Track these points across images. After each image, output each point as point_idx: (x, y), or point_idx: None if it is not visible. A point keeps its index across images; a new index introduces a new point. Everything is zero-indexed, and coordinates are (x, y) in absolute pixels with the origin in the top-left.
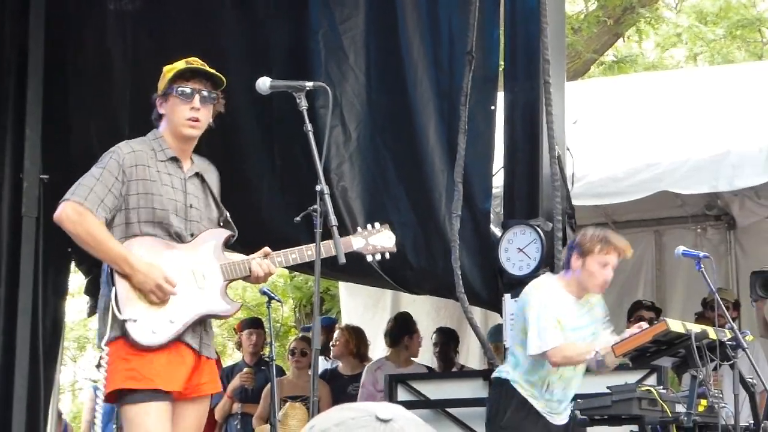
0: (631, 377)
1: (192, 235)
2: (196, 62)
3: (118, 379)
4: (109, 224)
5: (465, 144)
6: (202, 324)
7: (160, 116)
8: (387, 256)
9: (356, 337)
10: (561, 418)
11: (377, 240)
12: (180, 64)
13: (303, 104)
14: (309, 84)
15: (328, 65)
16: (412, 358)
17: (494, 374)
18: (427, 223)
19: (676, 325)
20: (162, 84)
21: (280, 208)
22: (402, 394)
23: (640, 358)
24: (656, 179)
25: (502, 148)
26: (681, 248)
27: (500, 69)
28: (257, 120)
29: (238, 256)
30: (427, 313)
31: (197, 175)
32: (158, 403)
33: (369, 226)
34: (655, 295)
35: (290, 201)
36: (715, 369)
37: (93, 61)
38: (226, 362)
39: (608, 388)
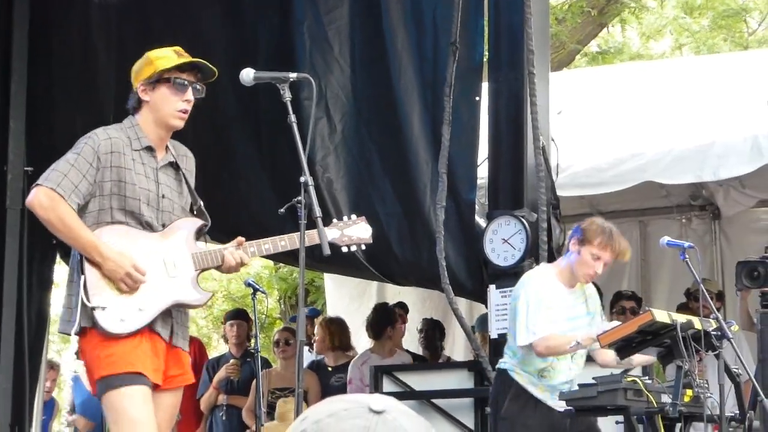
0: (617, 368)
1: (163, 225)
2: (182, 52)
3: (98, 368)
4: (82, 210)
5: (449, 135)
6: (174, 314)
7: (140, 103)
8: (363, 247)
9: (336, 330)
10: (563, 404)
11: (353, 231)
12: (170, 54)
13: (287, 95)
14: (293, 75)
15: (313, 57)
16: (396, 348)
17: (497, 364)
18: (412, 215)
19: (661, 316)
20: (149, 70)
21: (267, 200)
22: (387, 386)
23: (626, 348)
24: (641, 169)
25: (486, 138)
26: (666, 238)
27: (484, 59)
28: (244, 112)
29: (210, 246)
30: (413, 304)
31: (171, 164)
32: (141, 387)
33: (345, 217)
34: (639, 286)
35: (277, 193)
36: (700, 360)
37: (78, 53)
38: (212, 354)
39: (594, 378)
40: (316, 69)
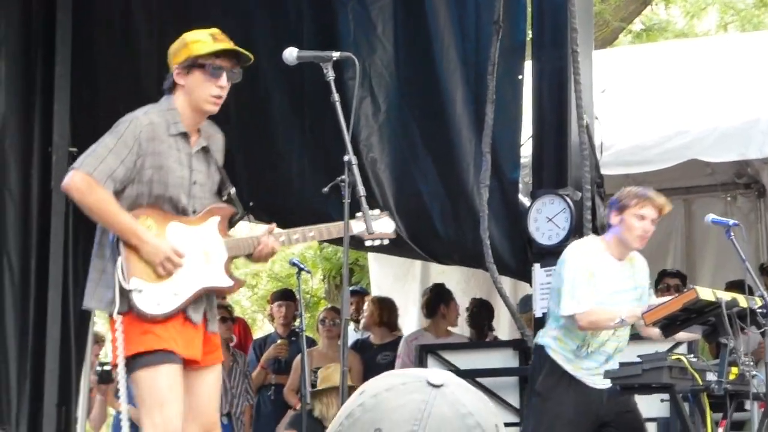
0: (662, 345)
1: (194, 211)
2: (220, 35)
3: (130, 347)
4: (119, 194)
5: (493, 114)
6: (206, 299)
7: (175, 85)
8: (385, 242)
9: (384, 308)
10: (602, 381)
11: (376, 226)
12: (206, 38)
13: (330, 75)
14: (336, 54)
15: (357, 36)
16: (450, 328)
17: (536, 338)
18: (455, 194)
19: (705, 293)
20: (184, 53)
21: (310, 179)
22: (432, 364)
23: (670, 326)
24: (685, 147)
25: (530, 117)
26: (711, 216)
27: (527, 38)
28: (287, 91)
29: (242, 233)
30: (457, 282)
31: (203, 149)
32: (170, 365)
33: (369, 211)
34: (684, 264)
35: (320, 172)
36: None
37: (120, 35)
38: (257, 334)
39: (639, 356)
40: (359, 49)
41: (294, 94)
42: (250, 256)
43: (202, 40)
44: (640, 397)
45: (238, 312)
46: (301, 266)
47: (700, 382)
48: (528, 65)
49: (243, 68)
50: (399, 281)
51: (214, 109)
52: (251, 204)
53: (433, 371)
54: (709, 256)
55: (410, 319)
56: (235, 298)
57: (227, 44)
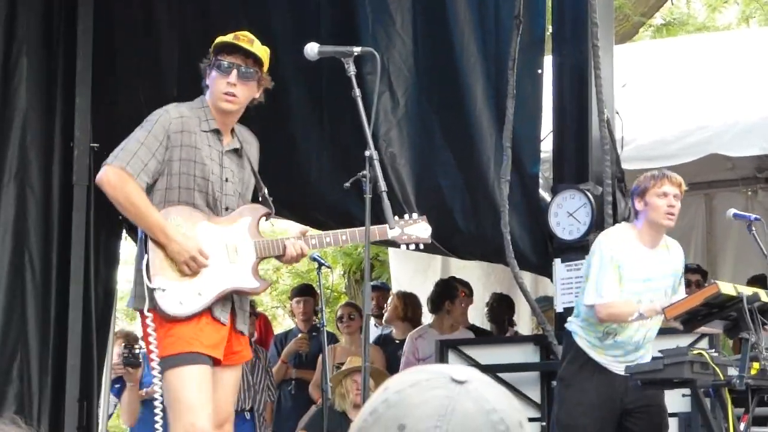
0: (683, 341)
1: (227, 209)
2: (245, 37)
3: (159, 349)
4: (150, 188)
5: (513, 108)
6: (234, 299)
7: (206, 85)
8: (421, 247)
9: (409, 303)
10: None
11: (413, 230)
12: (228, 38)
13: (351, 70)
14: (357, 49)
15: (376, 30)
16: (458, 324)
17: (566, 323)
18: (475, 188)
19: (727, 288)
20: (210, 55)
21: (328, 175)
22: (453, 360)
23: (691, 321)
24: (706, 142)
25: (550, 112)
26: (732, 210)
27: (546, 32)
28: (306, 86)
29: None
30: (478, 278)
31: (236, 150)
32: (199, 367)
33: (406, 216)
34: (705, 259)
35: (338, 167)
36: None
37: (141, 29)
38: (278, 329)
39: (660, 351)
40: (378, 43)
41: (312, 88)
42: (280, 257)
43: (225, 40)
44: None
45: (258, 307)
46: (322, 261)
47: (722, 377)
48: (547, 60)
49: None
50: (419, 276)
51: (229, 106)
52: (270, 200)
53: (457, 367)
54: (730, 251)
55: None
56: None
57: (235, 41)
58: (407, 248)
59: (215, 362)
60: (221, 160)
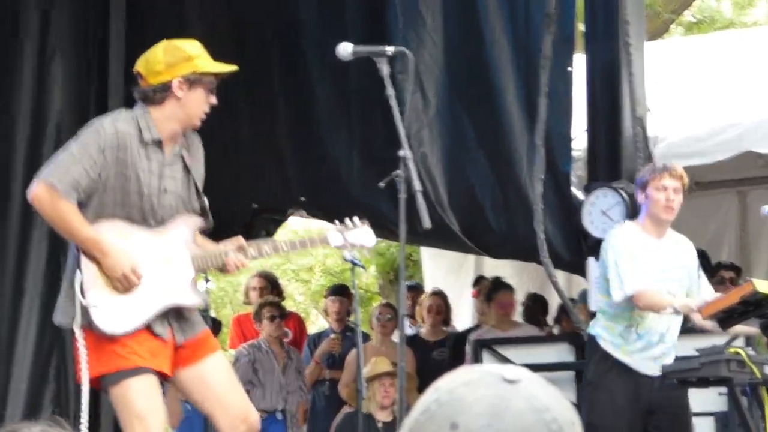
0: (719, 339)
1: (162, 220)
2: (199, 47)
3: (98, 365)
4: (84, 204)
5: (546, 106)
6: (173, 312)
7: (167, 96)
8: (365, 253)
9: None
10: (654, 367)
11: (356, 237)
12: (203, 53)
13: (384, 70)
14: (390, 49)
15: (406, 30)
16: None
17: (588, 328)
18: (507, 186)
19: (763, 286)
20: (186, 67)
21: (357, 174)
22: (487, 359)
23: (728, 319)
24: (739, 139)
25: (582, 110)
26: (766, 207)
27: (577, 30)
28: (333, 86)
29: (210, 246)
30: (510, 277)
31: (179, 156)
32: (144, 376)
33: (347, 221)
34: (739, 256)
35: (368, 167)
36: None
37: (173, 30)
38: (310, 329)
39: (696, 350)
40: (408, 42)
41: (339, 87)
42: (220, 270)
43: (202, 56)
44: (697, 390)
45: (291, 306)
46: (355, 261)
47: (759, 376)
48: (578, 57)
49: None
50: (452, 275)
51: (199, 124)
52: (302, 199)
53: (509, 367)
54: (764, 248)
55: (464, 313)
56: (288, 292)
57: (228, 68)
58: (351, 254)
59: (163, 376)
60: (161, 170)
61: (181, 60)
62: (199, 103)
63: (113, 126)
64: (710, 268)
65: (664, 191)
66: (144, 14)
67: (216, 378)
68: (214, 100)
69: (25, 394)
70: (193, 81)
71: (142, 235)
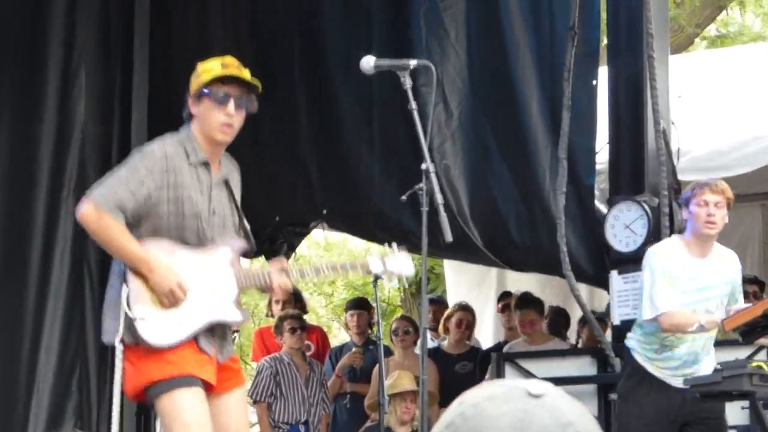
0: (742, 353)
1: (213, 239)
2: (231, 64)
3: (147, 375)
4: (136, 228)
5: (569, 120)
6: (217, 330)
7: (191, 115)
8: (405, 283)
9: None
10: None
11: (395, 265)
12: (216, 66)
13: (407, 83)
14: (413, 62)
15: (429, 43)
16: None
17: (625, 339)
18: (530, 200)
19: None
20: (196, 83)
21: (380, 187)
22: (509, 373)
23: (751, 333)
24: (763, 152)
25: (605, 123)
26: None
27: (601, 43)
28: (356, 98)
29: (254, 268)
30: (533, 290)
31: (225, 180)
32: (192, 389)
33: (387, 248)
34: (762, 269)
35: (391, 179)
36: None
37: (195, 43)
38: (333, 342)
39: (719, 363)
40: (432, 55)
41: (363, 99)
42: (262, 290)
43: (212, 69)
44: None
45: (313, 320)
46: (378, 274)
47: None
48: (602, 71)
49: (258, 95)
50: (474, 289)
51: (225, 138)
52: (324, 212)
53: (534, 381)
54: None
55: (486, 327)
56: (311, 305)
57: (233, 71)
58: (390, 283)
59: (208, 388)
60: (210, 192)
61: (193, 78)
62: (208, 116)
63: (162, 150)
64: None
65: (705, 206)
66: (168, 27)
67: (229, 414)
68: (230, 109)
69: (47, 406)
70: (200, 95)
71: (186, 254)
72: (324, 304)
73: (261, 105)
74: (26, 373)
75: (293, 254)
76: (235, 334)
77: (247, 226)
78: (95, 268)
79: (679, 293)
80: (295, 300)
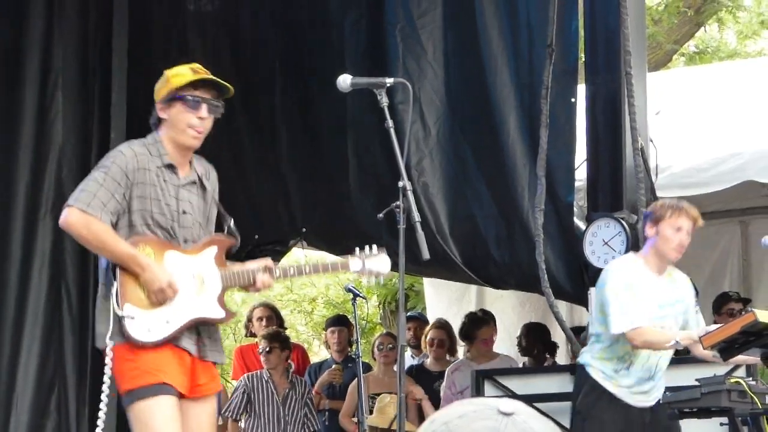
0: (720, 369)
1: (185, 241)
2: (201, 69)
3: (124, 382)
4: (114, 226)
5: (547, 137)
6: (201, 329)
7: (159, 121)
8: (381, 280)
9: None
10: (644, 400)
11: (374, 264)
12: (186, 72)
13: (384, 101)
14: (389, 80)
15: (406, 60)
16: (495, 350)
17: (578, 359)
18: (509, 217)
19: (764, 316)
20: (165, 89)
21: (360, 204)
22: (489, 390)
23: (729, 349)
24: (740, 169)
25: (583, 140)
26: (766, 238)
27: (579, 61)
28: (334, 117)
29: (238, 265)
30: (513, 307)
31: (194, 182)
32: (166, 397)
33: (366, 248)
34: (741, 286)
35: (370, 197)
36: None
37: (175, 61)
38: (313, 359)
39: (697, 380)
40: (409, 73)
41: (340, 118)
42: (246, 288)
43: (183, 74)
44: (698, 420)
45: (293, 337)
46: (357, 292)
47: (760, 406)
48: (581, 88)
49: (225, 100)
50: (454, 306)
51: (194, 142)
52: (303, 230)
53: (504, 400)
54: (766, 278)
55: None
56: (291, 323)
57: (205, 75)
58: (368, 281)
59: (179, 396)
60: (177, 193)
61: (162, 85)
62: (180, 119)
63: (131, 149)
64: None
65: (678, 232)
66: (146, 43)
67: (197, 423)
68: (203, 113)
69: (26, 426)
70: (169, 99)
71: (174, 253)
72: (304, 322)
73: (241, 123)
74: (4, 393)
75: None
76: None
77: (231, 221)
78: (73, 288)
79: (644, 309)
80: (276, 317)
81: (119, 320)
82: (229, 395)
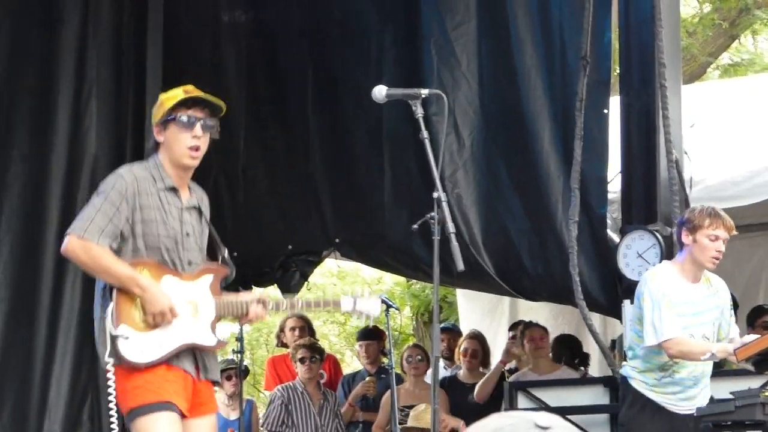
0: (755, 382)
1: (189, 263)
2: (192, 90)
3: (126, 401)
4: (118, 252)
5: (581, 149)
6: (195, 352)
7: (157, 144)
8: (370, 324)
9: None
10: (690, 406)
11: (365, 305)
12: (178, 93)
13: (419, 112)
14: (424, 91)
15: (441, 72)
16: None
17: (620, 370)
18: (543, 229)
19: None
20: (160, 112)
21: (393, 216)
22: (522, 402)
23: (764, 362)
24: None
25: (617, 153)
26: None
27: (613, 73)
28: (368, 128)
29: (233, 295)
30: (546, 319)
31: (195, 207)
32: (168, 413)
33: (359, 290)
34: None
35: (403, 208)
36: None
37: (210, 73)
38: (345, 370)
39: (731, 393)
40: (443, 84)
41: (374, 129)
42: (238, 318)
43: (175, 95)
44: None
45: (326, 348)
46: (390, 303)
47: None
48: (614, 100)
49: (221, 119)
50: (487, 318)
51: (192, 162)
52: (337, 241)
53: (541, 414)
54: None
55: (499, 356)
56: (323, 333)
57: (196, 94)
58: (358, 318)
59: (181, 415)
60: (181, 216)
61: (157, 108)
62: (175, 140)
63: (131, 174)
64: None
65: (715, 241)
66: (181, 57)
67: None
68: (197, 131)
69: None
70: (164, 121)
71: (171, 278)
72: (337, 333)
73: (275, 135)
74: (38, 403)
75: (305, 282)
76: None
77: (225, 251)
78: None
79: (677, 318)
80: (308, 328)
81: (114, 340)
82: (264, 406)
